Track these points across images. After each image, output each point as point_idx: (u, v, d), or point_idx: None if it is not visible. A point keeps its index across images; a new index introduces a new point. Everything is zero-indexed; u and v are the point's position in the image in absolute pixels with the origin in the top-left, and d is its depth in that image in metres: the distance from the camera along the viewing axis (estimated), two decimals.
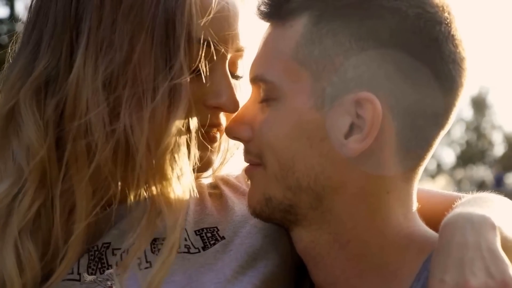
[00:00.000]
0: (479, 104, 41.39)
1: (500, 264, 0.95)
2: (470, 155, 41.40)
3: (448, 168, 41.85)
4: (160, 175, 1.12)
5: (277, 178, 1.11)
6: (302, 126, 1.08)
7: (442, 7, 1.08)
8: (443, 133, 1.13)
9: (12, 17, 10.10)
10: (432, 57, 1.06)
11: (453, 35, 1.08)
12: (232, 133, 1.19)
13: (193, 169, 1.15)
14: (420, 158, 1.12)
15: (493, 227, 1.00)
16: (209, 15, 1.13)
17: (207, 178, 1.32)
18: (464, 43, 1.10)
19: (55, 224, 1.12)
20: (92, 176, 1.11)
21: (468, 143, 42.26)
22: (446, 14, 1.08)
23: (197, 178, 1.24)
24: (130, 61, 1.09)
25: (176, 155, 1.12)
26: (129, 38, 1.10)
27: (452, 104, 1.10)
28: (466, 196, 1.19)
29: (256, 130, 1.13)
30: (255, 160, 1.15)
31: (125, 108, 1.09)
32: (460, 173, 41.35)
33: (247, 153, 1.18)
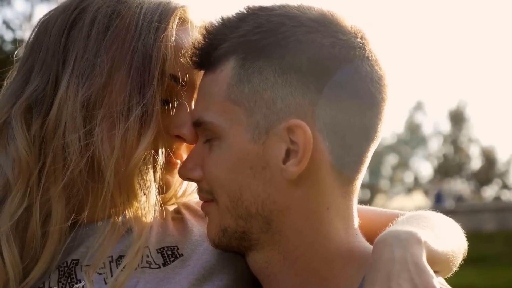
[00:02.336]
0: (457, 118, 41.75)
1: (424, 276, 1.06)
2: (447, 168, 41.72)
3: (425, 181, 42.13)
4: (127, 192, 1.25)
5: (228, 210, 1.22)
6: (244, 159, 1.19)
7: (354, 33, 1.21)
8: (374, 146, 1.24)
9: None
10: (350, 79, 1.18)
11: (367, 57, 1.20)
12: (184, 175, 1.30)
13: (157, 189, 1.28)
14: (354, 172, 1.23)
15: (419, 242, 1.10)
16: (181, 56, 1.27)
17: (171, 205, 1.44)
18: (380, 62, 1.22)
19: (34, 228, 1.25)
20: (66, 187, 1.24)
21: (445, 156, 42.61)
22: (358, 39, 1.21)
23: (164, 204, 1.37)
24: (108, 86, 1.24)
25: (143, 175, 1.25)
26: (109, 67, 1.25)
27: (377, 118, 1.22)
28: (406, 214, 1.30)
29: (205, 169, 1.24)
30: (208, 196, 1.26)
31: (99, 127, 1.23)
32: (437, 187, 41.58)
33: (200, 191, 1.29)
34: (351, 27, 1.22)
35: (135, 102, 1.23)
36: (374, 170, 42.14)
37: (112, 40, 1.26)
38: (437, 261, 1.17)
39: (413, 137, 43.02)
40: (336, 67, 1.17)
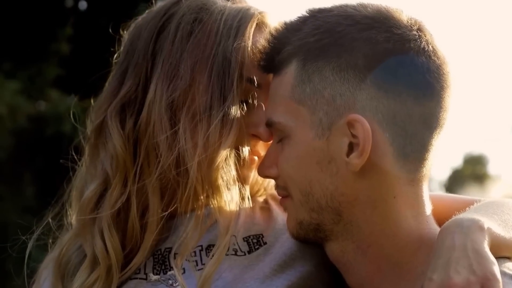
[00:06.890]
0: None
1: (483, 262, 1.09)
2: None
3: None
4: (211, 187, 1.36)
5: (302, 204, 1.30)
6: (311, 155, 1.26)
7: (410, 26, 1.25)
8: (438, 134, 1.27)
9: None
10: (406, 71, 1.23)
11: (423, 48, 1.24)
12: (262, 173, 1.40)
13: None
14: (420, 161, 1.27)
15: (481, 229, 1.14)
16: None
17: (261, 197, 1.54)
18: (438, 53, 1.26)
19: (133, 219, 1.39)
20: (159, 181, 1.37)
21: None
22: (414, 32, 1.24)
23: (253, 195, 1.48)
24: (191, 89, 1.36)
25: (224, 171, 1.36)
26: (191, 70, 1.36)
27: (438, 107, 1.25)
28: (481, 201, 1.32)
29: (279, 167, 1.33)
30: (283, 192, 1.35)
31: (183, 127, 1.35)
32: None
33: (277, 188, 1.38)
34: (407, 20, 1.26)
35: (216, 104, 1.33)
36: None
37: (194, 46, 1.37)
38: (504, 247, 1.19)
39: None
40: (391, 61, 1.22)
